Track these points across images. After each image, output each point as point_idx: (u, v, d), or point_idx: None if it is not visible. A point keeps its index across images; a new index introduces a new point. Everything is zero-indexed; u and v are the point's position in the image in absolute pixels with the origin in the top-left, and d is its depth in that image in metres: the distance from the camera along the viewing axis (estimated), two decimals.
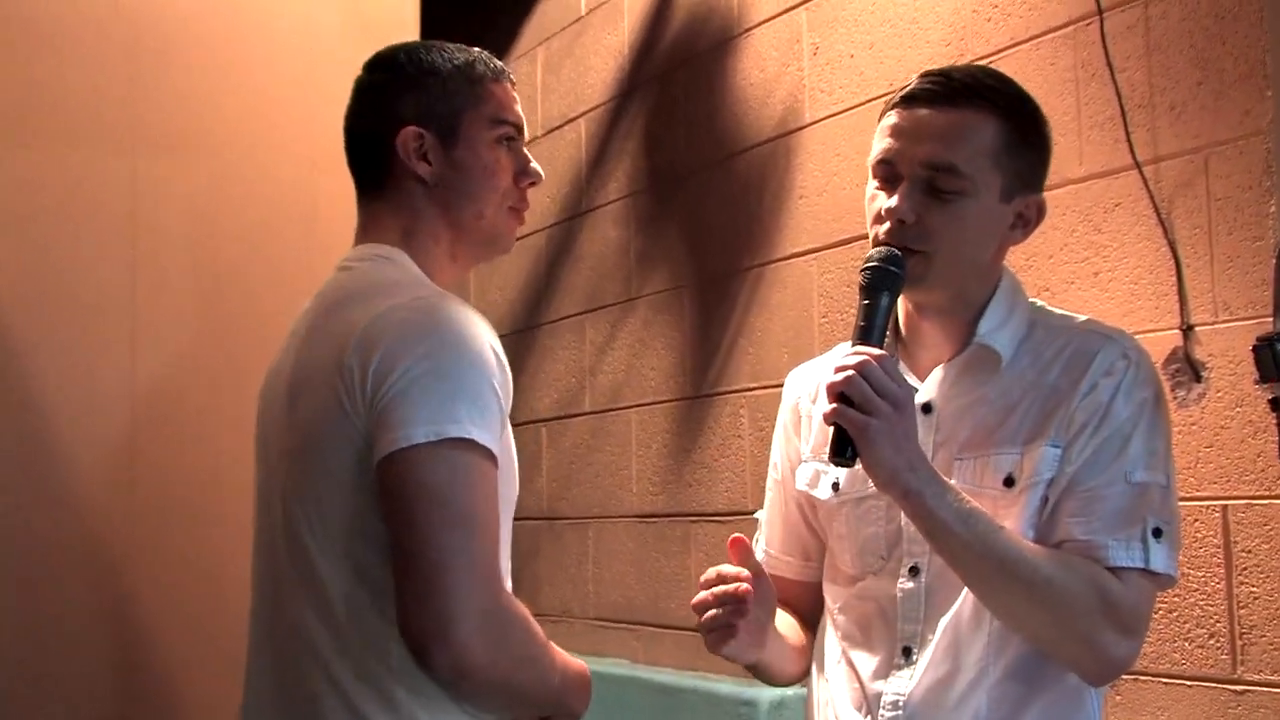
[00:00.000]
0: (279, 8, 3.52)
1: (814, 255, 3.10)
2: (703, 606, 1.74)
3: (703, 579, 1.74)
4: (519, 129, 1.86)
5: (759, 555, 1.99)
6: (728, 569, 1.74)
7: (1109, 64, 2.40)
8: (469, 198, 1.81)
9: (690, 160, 3.56)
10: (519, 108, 1.88)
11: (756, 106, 3.32)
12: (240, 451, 3.34)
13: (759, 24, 3.32)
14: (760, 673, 1.90)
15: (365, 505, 1.62)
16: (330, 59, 3.45)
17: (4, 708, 3.10)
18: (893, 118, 1.76)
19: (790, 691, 2.97)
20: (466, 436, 1.58)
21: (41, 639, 3.15)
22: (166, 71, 3.38)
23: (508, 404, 1.67)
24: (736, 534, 1.76)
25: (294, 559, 1.69)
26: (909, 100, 1.75)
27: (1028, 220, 1.78)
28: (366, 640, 1.63)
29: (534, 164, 1.87)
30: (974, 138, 1.72)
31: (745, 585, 1.72)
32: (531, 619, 1.66)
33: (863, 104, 2.98)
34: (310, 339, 1.76)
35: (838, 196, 3.03)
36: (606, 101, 3.89)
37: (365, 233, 1.84)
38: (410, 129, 1.79)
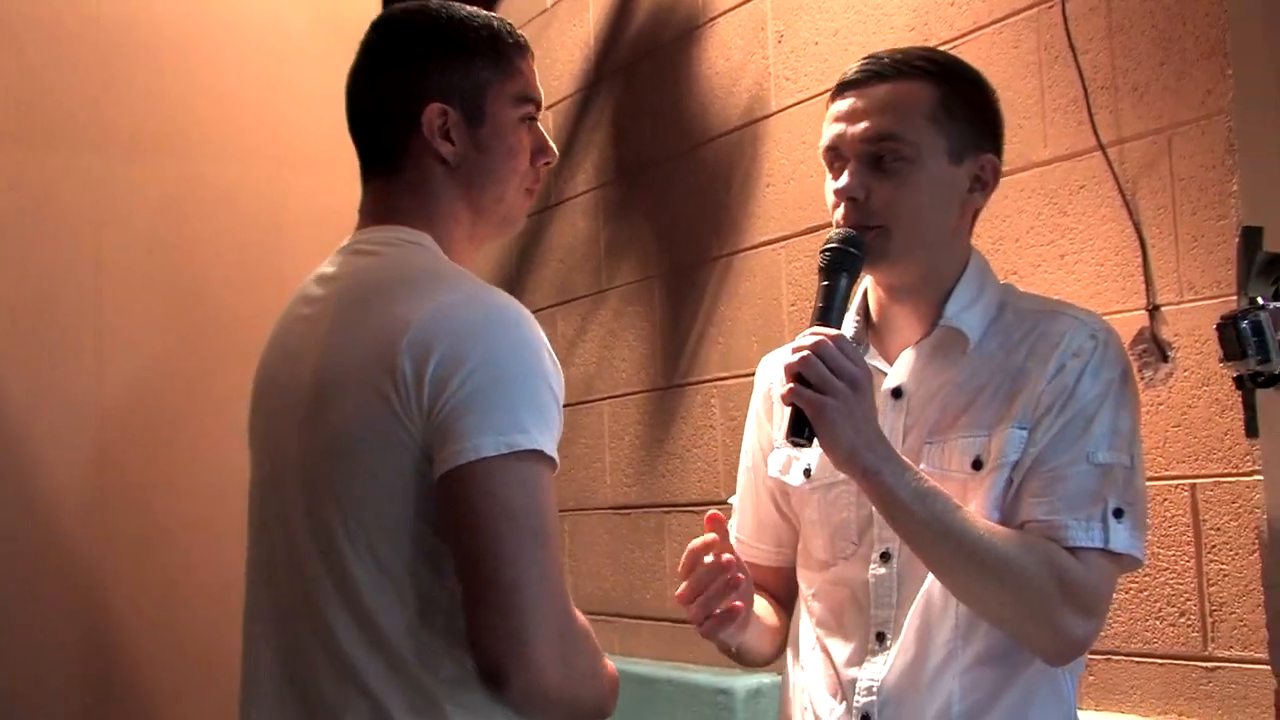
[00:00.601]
0: (248, 8, 3.51)
1: (782, 243, 3.10)
2: (694, 594, 1.70)
3: (682, 566, 1.72)
4: (539, 106, 1.76)
5: (731, 541, 1.99)
6: (699, 544, 1.71)
7: (1071, 46, 2.41)
8: (492, 180, 1.70)
9: (657, 150, 3.56)
10: (539, 82, 1.76)
11: (722, 95, 3.32)
12: (209, 455, 3.36)
13: (723, 12, 3.32)
14: (740, 656, 1.90)
15: (417, 514, 1.54)
16: (299, 58, 3.44)
17: None
18: (834, 106, 1.81)
19: (766, 679, 2.98)
20: (536, 448, 1.51)
21: (10, 646, 3.12)
22: (136, 73, 3.37)
23: (562, 406, 1.60)
24: (713, 511, 1.75)
25: (327, 563, 1.58)
26: (845, 87, 1.80)
27: (985, 182, 1.79)
28: (413, 652, 1.55)
29: (550, 143, 1.77)
30: (909, 104, 1.75)
31: (739, 574, 1.70)
32: (591, 631, 1.61)
33: (828, 91, 2.95)
34: (340, 330, 1.62)
35: (805, 184, 3.03)
36: (574, 93, 3.88)
37: (378, 214, 1.71)
38: (434, 105, 1.67)
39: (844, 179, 1.74)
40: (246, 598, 1.73)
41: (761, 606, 1.91)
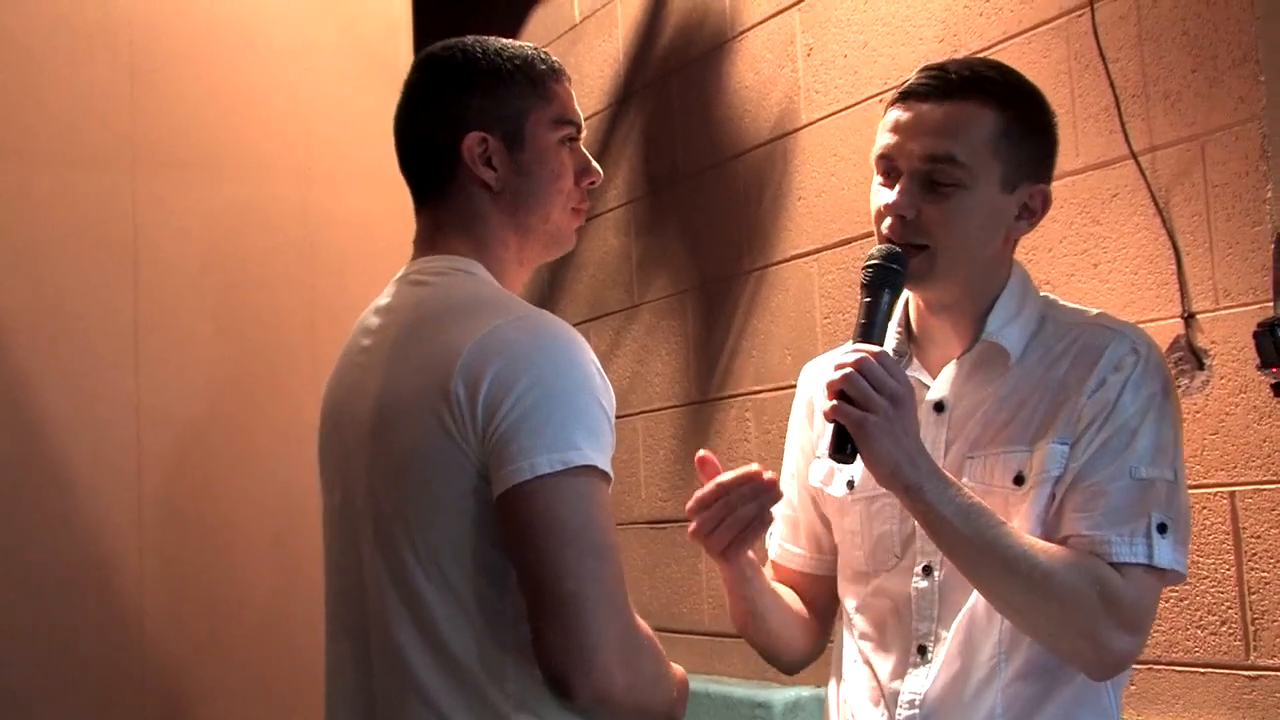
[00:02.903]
0: (275, 24, 3.53)
1: (814, 256, 3.10)
2: (717, 496, 1.70)
3: (699, 498, 1.72)
4: (579, 128, 1.80)
5: (773, 550, 1.99)
6: (724, 478, 1.71)
7: (1101, 55, 2.41)
8: (536, 202, 1.75)
9: (688, 165, 3.56)
10: (577, 104, 1.81)
11: (753, 109, 3.33)
12: (247, 467, 3.38)
13: (752, 26, 3.33)
14: (769, 644, 1.90)
15: (478, 532, 1.59)
16: (325, 74, 3.46)
17: None
18: (893, 113, 1.77)
19: (805, 692, 2.98)
20: (589, 464, 1.55)
21: (50, 661, 3.15)
22: (165, 90, 3.39)
23: (613, 421, 1.64)
24: (703, 451, 1.76)
25: (397, 584, 1.63)
26: (907, 96, 1.76)
27: (1033, 211, 1.78)
28: (480, 667, 1.60)
29: (594, 163, 1.81)
30: (972, 128, 1.72)
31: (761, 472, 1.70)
32: (655, 638, 1.63)
33: (858, 103, 2.98)
34: (398, 362, 1.68)
35: (836, 197, 3.03)
36: (603, 109, 3.89)
37: (431, 243, 1.77)
38: (474, 134, 1.72)
39: (895, 194, 1.73)
40: (327, 623, 1.79)
41: (788, 594, 1.92)
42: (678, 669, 1.70)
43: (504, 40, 1.79)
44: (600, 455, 1.57)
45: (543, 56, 1.78)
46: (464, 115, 1.73)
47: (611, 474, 1.59)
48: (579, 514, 1.54)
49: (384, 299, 1.79)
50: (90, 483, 3.23)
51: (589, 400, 1.59)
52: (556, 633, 1.51)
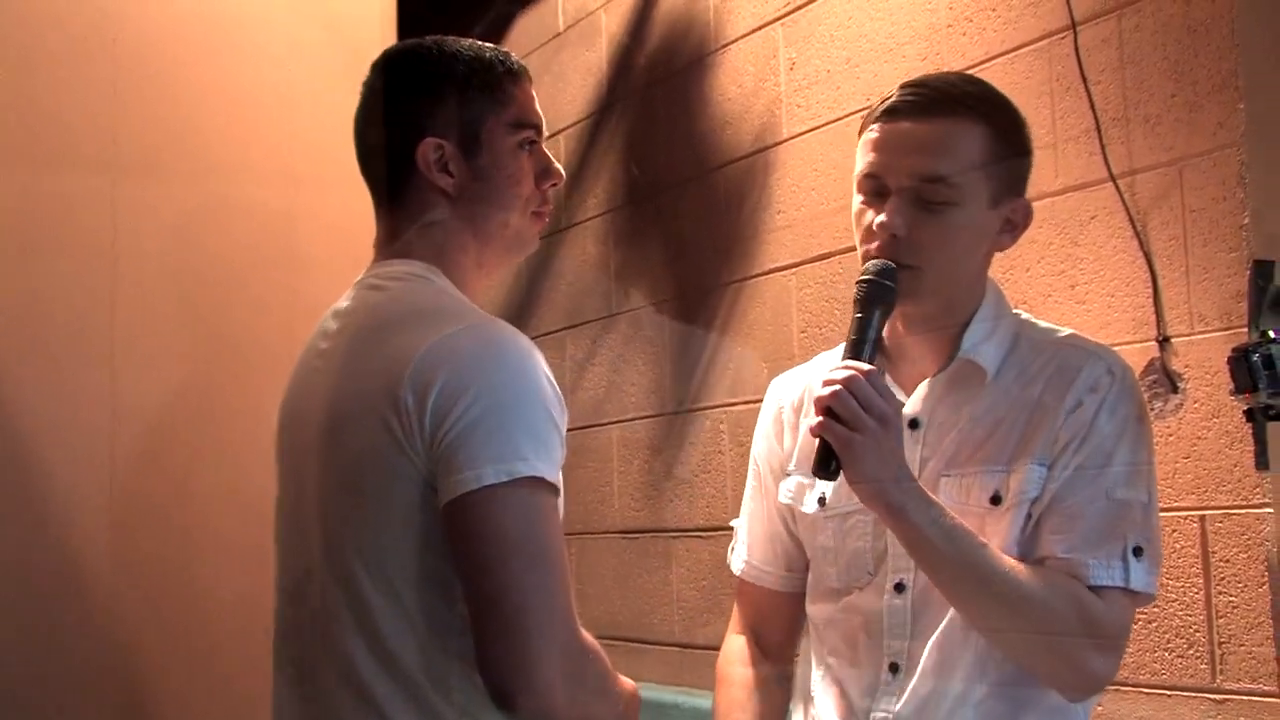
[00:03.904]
0: (259, 24, 3.51)
1: (792, 270, 3.11)
2: None
3: None
4: (539, 130, 1.78)
5: (738, 566, 1.98)
6: None
7: (1083, 77, 2.41)
8: (494, 206, 1.73)
9: (668, 176, 3.56)
10: (538, 105, 1.79)
11: (734, 122, 3.33)
12: (221, 471, 3.36)
13: (736, 39, 3.33)
14: None
15: (426, 544, 1.57)
16: (309, 74, 3.44)
17: None
18: (875, 131, 1.75)
19: None
20: (535, 475, 1.53)
21: (19, 662, 3.12)
22: (145, 90, 3.37)
23: (564, 433, 1.62)
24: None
25: (344, 590, 1.62)
26: (890, 113, 1.74)
27: (1015, 225, 1.78)
28: (424, 675, 1.59)
29: (556, 164, 1.79)
30: (960, 147, 1.72)
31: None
32: (601, 650, 1.63)
33: (840, 119, 2.99)
34: (350, 366, 1.67)
35: (816, 211, 3.04)
36: (585, 118, 3.89)
37: (389, 247, 1.76)
38: (429, 140, 1.70)
39: (885, 214, 1.71)
40: (275, 622, 1.78)
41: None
42: (627, 683, 1.69)
43: (465, 41, 1.76)
44: (548, 466, 1.55)
45: (502, 58, 1.76)
46: (418, 121, 1.71)
47: (560, 485, 1.58)
48: (524, 526, 1.52)
49: (343, 302, 1.77)
50: (63, 479, 3.20)
51: (538, 411, 1.57)
52: (499, 646, 1.50)
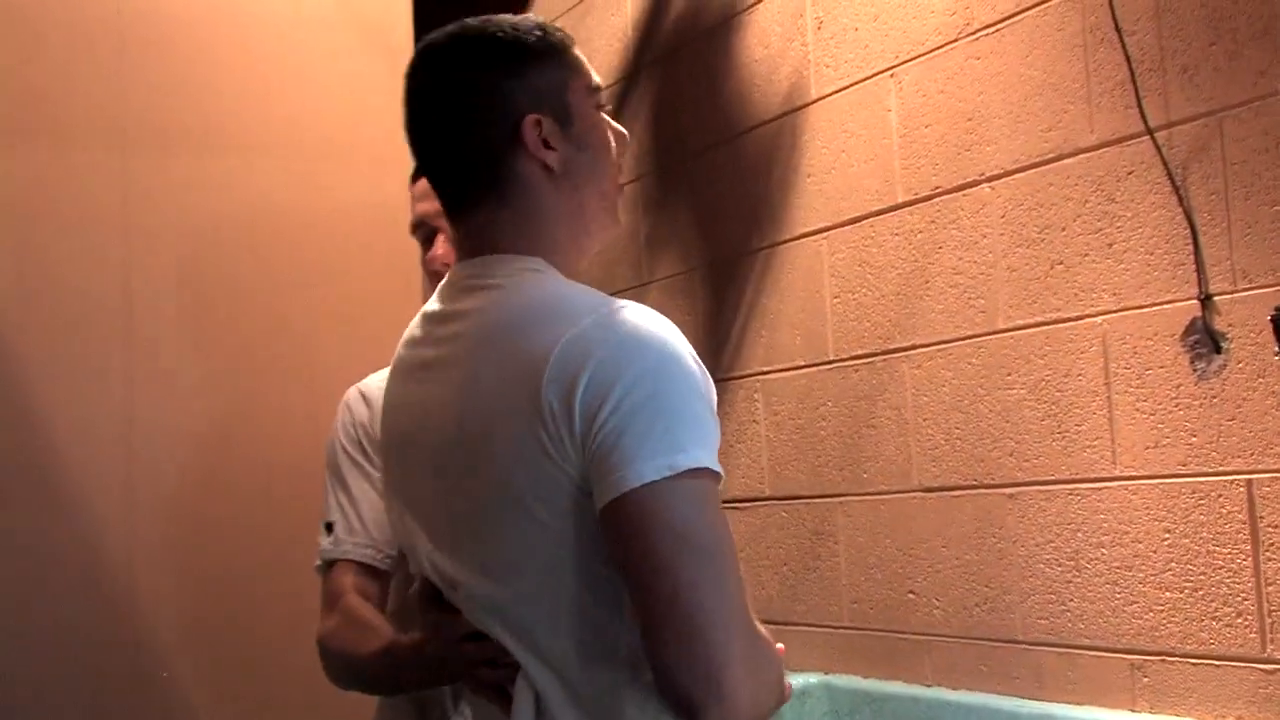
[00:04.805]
0: (271, 2, 3.48)
1: (824, 234, 3.04)
2: None
3: None
4: (603, 94, 1.72)
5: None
6: None
7: (1117, 27, 2.33)
8: (594, 175, 1.65)
9: (697, 141, 3.50)
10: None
11: (762, 84, 3.26)
12: (237, 455, 3.33)
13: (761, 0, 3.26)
14: None
15: (581, 551, 1.49)
16: (323, 52, 3.40)
17: None
18: None
19: (814, 679, 2.92)
20: (698, 465, 1.44)
21: (39, 657, 3.11)
22: (158, 68, 3.34)
23: (716, 414, 1.54)
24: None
25: (502, 622, 1.56)
26: None
27: None
28: (590, 691, 1.53)
29: (620, 126, 1.72)
30: None
31: None
32: (770, 639, 1.53)
33: (869, 78, 2.91)
34: (478, 376, 1.56)
35: (846, 174, 2.97)
36: (612, 84, 3.83)
37: (488, 245, 1.63)
38: (530, 117, 1.61)
39: None
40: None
41: None
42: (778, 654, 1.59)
43: (509, 16, 1.68)
44: (708, 455, 1.46)
45: (549, 26, 1.68)
46: (510, 100, 1.61)
47: (721, 472, 1.49)
48: (691, 519, 1.43)
49: (435, 306, 1.66)
50: (80, 466, 3.20)
51: (691, 396, 1.48)
52: (678, 652, 1.40)
